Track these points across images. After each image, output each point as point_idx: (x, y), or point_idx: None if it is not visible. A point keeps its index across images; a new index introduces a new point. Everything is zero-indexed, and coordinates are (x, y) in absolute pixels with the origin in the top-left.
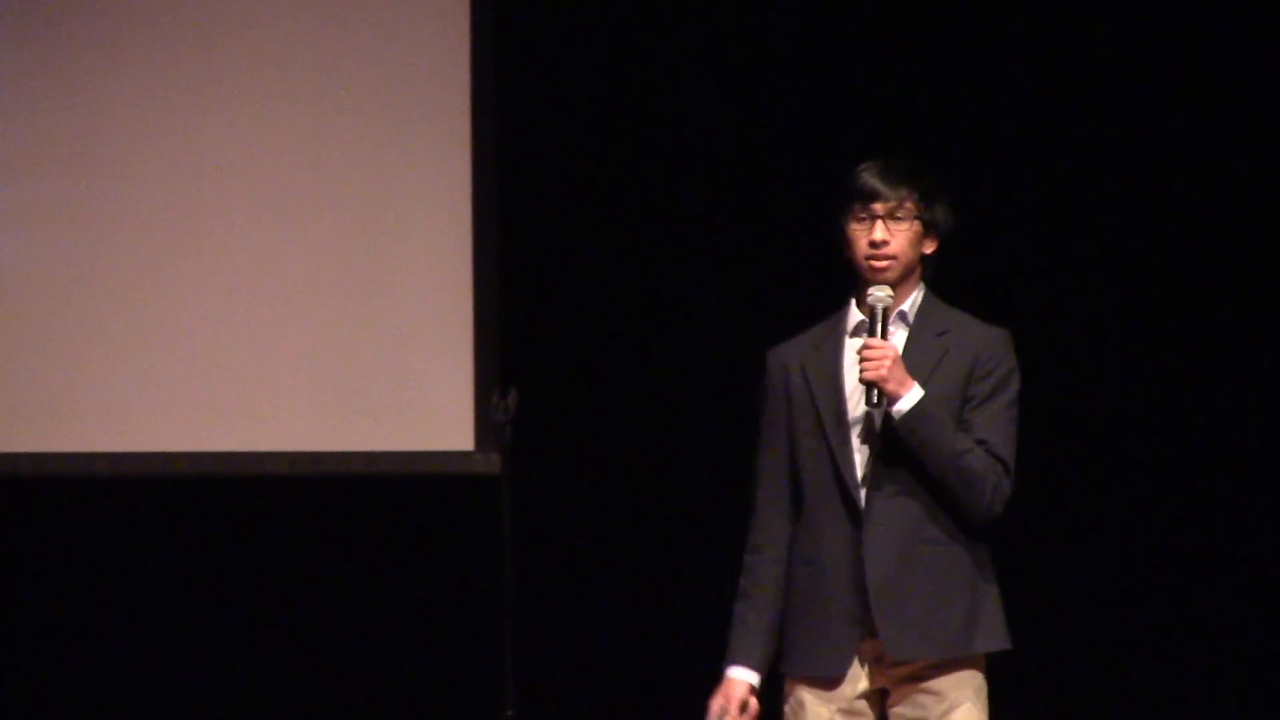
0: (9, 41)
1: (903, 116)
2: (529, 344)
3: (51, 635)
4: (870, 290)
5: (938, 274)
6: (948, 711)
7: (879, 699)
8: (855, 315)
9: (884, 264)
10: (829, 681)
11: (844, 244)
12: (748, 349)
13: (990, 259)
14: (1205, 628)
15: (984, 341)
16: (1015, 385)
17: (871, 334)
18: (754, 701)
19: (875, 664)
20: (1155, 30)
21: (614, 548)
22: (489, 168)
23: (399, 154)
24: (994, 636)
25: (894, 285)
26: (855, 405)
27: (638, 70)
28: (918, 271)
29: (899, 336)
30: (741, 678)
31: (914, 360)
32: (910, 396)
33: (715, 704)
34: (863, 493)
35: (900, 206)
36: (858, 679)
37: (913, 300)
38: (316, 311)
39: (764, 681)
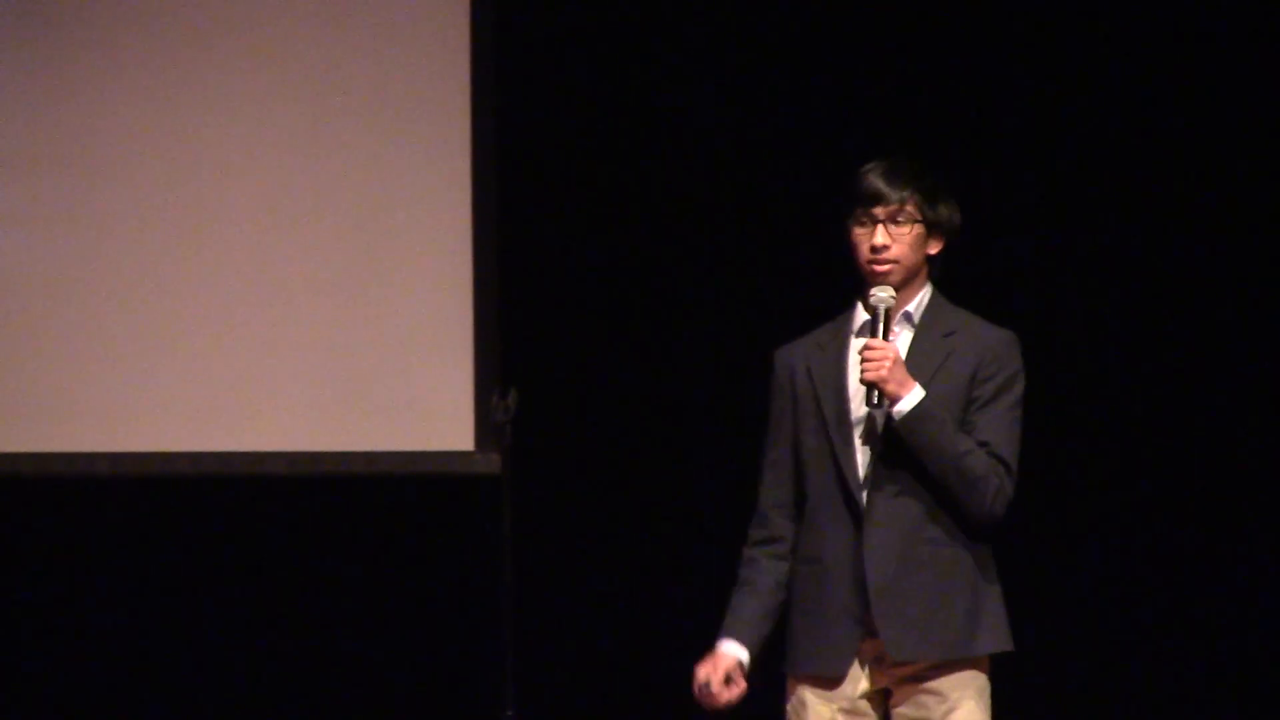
0: (9, 41)
1: (905, 114)
2: (529, 344)
3: (52, 635)
4: (873, 291)
5: (942, 274)
6: (949, 712)
7: (882, 699)
8: (861, 315)
9: (885, 268)
10: (830, 681)
11: (849, 247)
12: (748, 349)
13: (991, 259)
14: (1205, 628)
15: (989, 343)
16: (1020, 387)
17: (873, 335)
18: (740, 678)
19: (877, 664)
20: (1160, 30)
21: (614, 548)
22: (489, 168)
23: (399, 154)
24: (995, 638)
25: (899, 287)
26: (858, 406)
27: (638, 70)
28: (924, 272)
29: (904, 337)
30: (731, 652)
31: (918, 360)
32: (911, 398)
33: (702, 670)
34: (864, 493)
35: (901, 210)
36: (859, 679)
37: (919, 300)
38: (316, 311)
39: (754, 662)
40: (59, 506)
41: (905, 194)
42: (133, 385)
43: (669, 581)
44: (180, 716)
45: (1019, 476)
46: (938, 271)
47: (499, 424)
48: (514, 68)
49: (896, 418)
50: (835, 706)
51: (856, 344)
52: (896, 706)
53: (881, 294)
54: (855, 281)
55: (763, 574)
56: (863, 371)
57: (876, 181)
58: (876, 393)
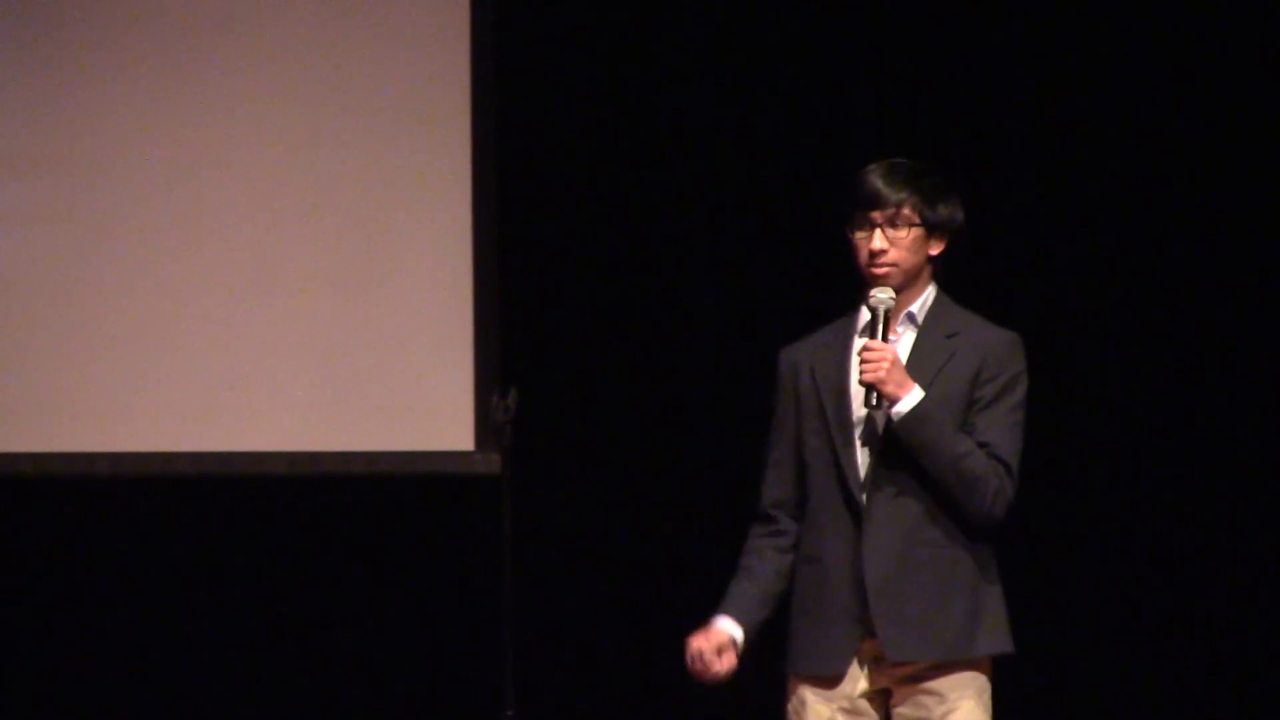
0: (9, 41)
1: (910, 113)
2: (529, 344)
3: (52, 635)
4: (872, 292)
5: (944, 274)
6: (949, 712)
7: (882, 699)
8: (864, 316)
9: (884, 271)
10: (830, 680)
11: (850, 250)
12: (747, 349)
13: (994, 260)
14: (1205, 628)
15: (992, 344)
16: (1022, 389)
17: (872, 336)
18: (732, 655)
19: (876, 664)
20: (1161, 30)
21: (614, 548)
22: (489, 168)
23: (399, 154)
24: (995, 639)
25: (900, 288)
26: (859, 406)
27: (638, 70)
28: (926, 272)
29: (908, 338)
30: (725, 628)
31: (921, 361)
32: (909, 399)
33: (694, 641)
34: (864, 494)
35: (899, 213)
36: (859, 678)
37: (922, 301)
38: (316, 311)
39: (748, 644)
40: (59, 506)
41: (903, 196)
42: (133, 385)
43: (669, 581)
44: (181, 716)
45: (1020, 477)
46: (940, 271)
47: (499, 424)
48: (514, 68)
49: (895, 419)
50: (835, 706)
51: (859, 345)
52: (896, 707)
53: (881, 295)
54: (859, 281)
55: (764, 562)
56: (861, 373)
57: (874, 185)
58: (875, 394)
